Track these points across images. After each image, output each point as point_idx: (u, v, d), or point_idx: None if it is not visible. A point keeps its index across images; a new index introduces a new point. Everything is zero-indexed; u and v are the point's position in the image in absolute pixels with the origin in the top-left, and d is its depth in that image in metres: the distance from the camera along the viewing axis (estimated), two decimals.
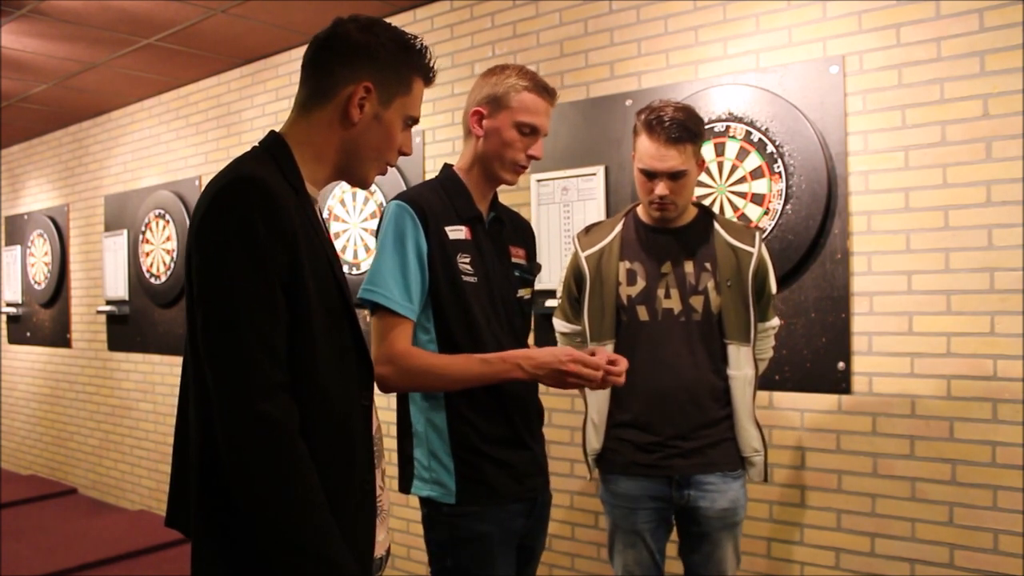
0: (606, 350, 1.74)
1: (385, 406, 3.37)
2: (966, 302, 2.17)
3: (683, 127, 1.89)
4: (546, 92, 1.75)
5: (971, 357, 2.17)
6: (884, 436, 2.31)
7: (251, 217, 1.13)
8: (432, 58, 1.35)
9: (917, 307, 2.25)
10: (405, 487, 1.75)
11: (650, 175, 1.93)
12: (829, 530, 2.40)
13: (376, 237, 1.71)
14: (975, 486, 2.16)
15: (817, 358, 2.39)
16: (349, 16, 1.31)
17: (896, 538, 2.29)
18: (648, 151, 1.91)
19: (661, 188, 1.92)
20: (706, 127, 2.36)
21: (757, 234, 2.04)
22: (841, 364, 2.36)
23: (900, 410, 2.28)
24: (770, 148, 2.46)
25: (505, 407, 1.72)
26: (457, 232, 1.70)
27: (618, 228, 2.06)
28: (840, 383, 2.36)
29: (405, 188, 3.35)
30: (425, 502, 1.72)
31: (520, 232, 1.92)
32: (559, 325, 2.16)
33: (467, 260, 1.69)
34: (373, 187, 3.53)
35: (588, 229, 2.13)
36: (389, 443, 3.56)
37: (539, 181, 2.98)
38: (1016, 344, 2.10)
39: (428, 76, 1.36)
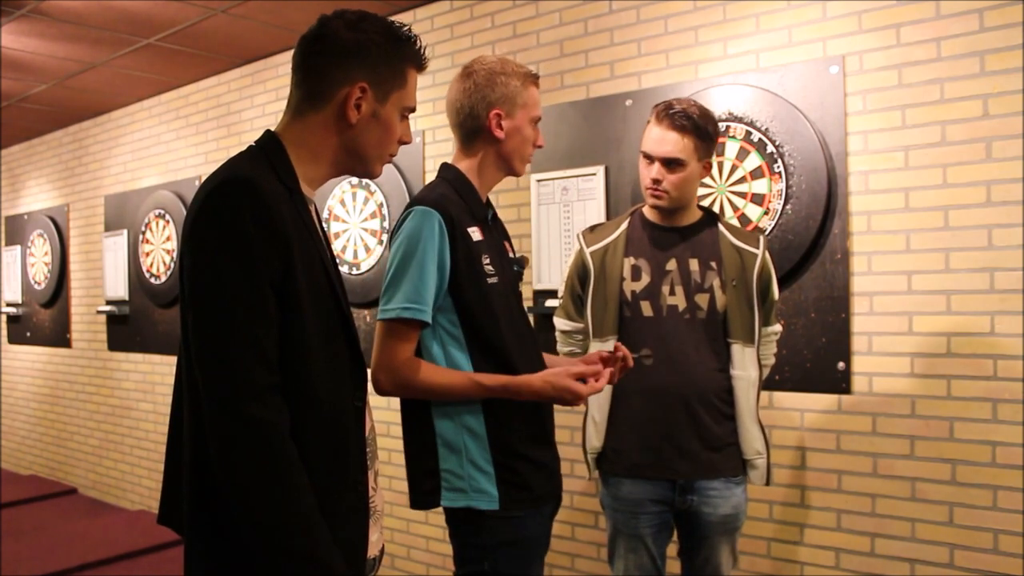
0: (605, 352, 1.74)
1: (385, 406, 3.38)
2: (966, 302, 2.17)
3: (688, 118, 1.92)
4: (538, 80, 1.79)
5: (971, 357, 2.17)
6: (884, 436, 2.31)
7: (242, 218, 1.13)
8: (422, 45, 1.34)
9: (917, 307, 2.25)
10: (426, 503, 1.71)
11: (649, 158, 1.97)
12: (829, 530, 2.40)
13: (392, 237, 1.69)
14: (975, 486, 2.16)
15: (817, 358, 2.39)
16: (335, 12, 1.29)
17: (896, 538, 2.29)
18: (651, 134, 1.97)
19: (655, 172, 1.95)
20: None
21: (761, 237, 2.05)
22: (841, 364, 2.36)
23: (900, 410, 2.28)
24: (770, 148, 2.45)
25: (538, 404, 1.72)
26: (476, 233, 1.70)
27: (623, 226, 2.07)
28: (840, 383, 2.36)
29: (405, 188, 3.38)
30: (461, 509, 1.69)
31: (501, 227, 1.93)
32: (560, 323, 2.16)
33: (488, 261, 1.70)
34: (373, 187, 3.52)
35: (593, 228, 2.15)
36: (389, 444, 3.57)
37: (539, 181, 2.98)
38: (1016, 344, 2.10)
39: (421, 64, 1.35)
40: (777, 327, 2.13)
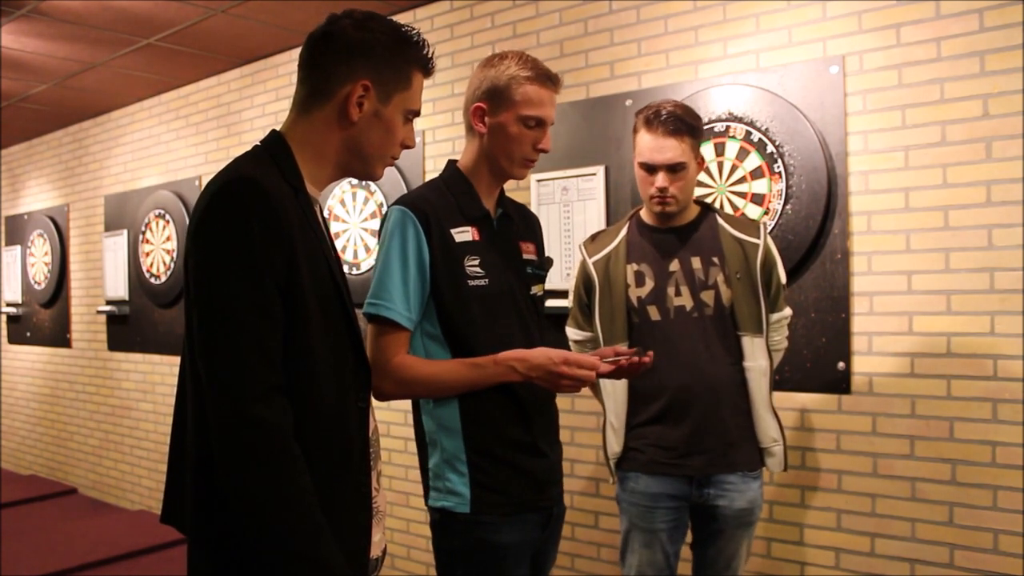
0: (619, 347, 1.72)
1: (385, 406, 3.37)
2: (966, 302, 2.17)
3: (680, 120, 1.93)
4: (550, 81, 1.66)
5: (971, 357, 2.17)
6: (884, 436, 2.31)
7: (247, 219, 1.13)
8: (430, 50, 1.34)
9: (917, 307, 2.25)
10: (425, 498, 1.70)
11: (649, 168, 1.95)
12: (829, 530, 2.40)
13: (378, 241, 1.67)
14: (975, 486, 2.16)
15: (817, 358, 2.39)
16: (344, 11, 1.29)
17: (896, 538, 2.29)
18: (647, 144, 1.94)
19: (660, 180, 1.94)
20: (706, 127, 2.35)
21: (762, 226, 2.05)
22: (841, 364, 2.36)
23: (900, 410, 2.28)
24: (770, 148, 2.45)
25: (524, 410, 1.65)
26: (463, 234, 1.64)
27: (623, 232, 2.07)
28: (840, 383, 2.36)
29: (405, 188, 3.38)
30: (436, 510, 1.66)
31: (528, 226, 1.86)
32: (571, 333, 2.17)
33: (475, 262, 1.63)
34: (373, 187, 3.52)
35: (594, 237, 2.15)
36: (389, 444, 3.57)
37: (539, 181, 2.98)
38: (1016, 344, 2.10)
39: (427, 68, 1.34)
40: (787, 311, 2.11)
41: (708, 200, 2.54)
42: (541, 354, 1.59)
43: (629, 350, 1.66)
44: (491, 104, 1.65)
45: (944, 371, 2.21)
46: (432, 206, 1.64)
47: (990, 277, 2.14)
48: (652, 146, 1.93)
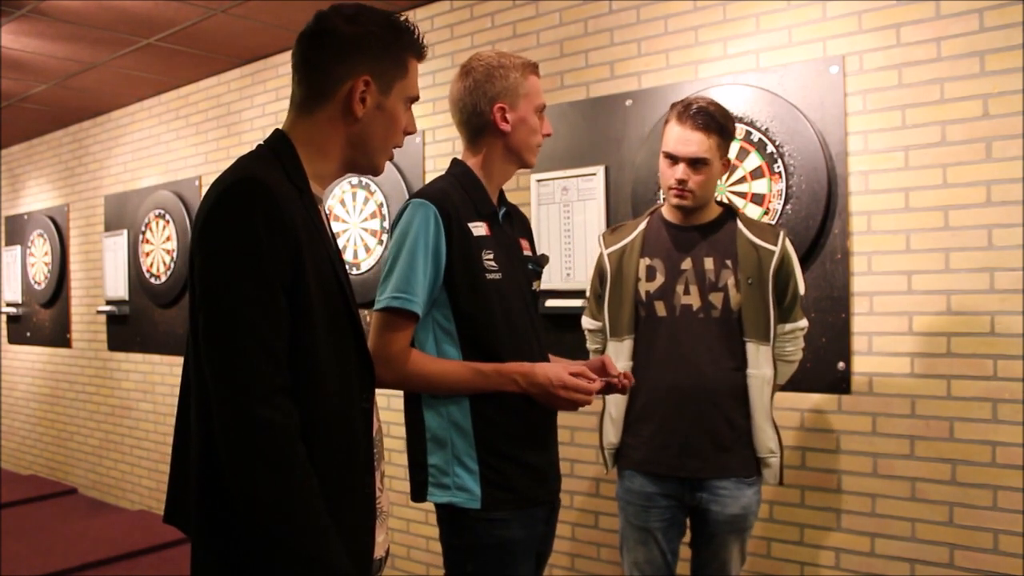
0: (614, 365, 1.75)
1: (385, 406, 3.38)
2: (966, 302, 2.17)
3: (711, 116, 1.94)
4: (537, 68, 1.79)
5: (971, 357, 2.17)
6: (884, 436, 2.31)
7: (253, 220, 1.13)
8: (420, 34, 1.35)
9: (917, 307, 2.25)
10: (418, 495, 1.70)
11: (672, 159, 1.97)
12: (829, 530, 2.40)
13: (391, 232, 1.68)
14: (975, 486, 2.16)
15: (817, 358, 2.39)
16: (331, 8, 1.29)
17: (896, 538, 2.29)
18: (674, 135, 1.96)
19: (681, 172, 1.95)
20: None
21: (781, 233, 2.02)
22: (841, 364, 2.36)
23: (900, 410, 2.28)
24: (770, 148, 2.46)
25: (529, 406, 1.68)
26: (478, 228, 1.69)
27: (641, 226, 2.08)
28: (840, 383, 2.36)
29: (405, 188, 3.38)
30: (444, 507, 1.69)
31: (522, 224, 1.91)
32: (586, 323, 2.21)
33: (491, 256, 1.68)
34: (373, 187, 3.52)
35: (614, 229, 2.17)
36: (389, 444, 3.57)
37: (539, 181, 2.98)
38: (1016, 344, 2.10)
39: (420, 53, 1.35)
40: (802, 322, 2.07)
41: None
42: (542, 374, 1.63)
43: (606, 375, 1.72)
44: (509, 102, 1.72)
45: (944, 371, 2.21)
46: (452, 202, 1.67)
47: (990, 277, 2.14)
48: (678, 137, 1.95)
